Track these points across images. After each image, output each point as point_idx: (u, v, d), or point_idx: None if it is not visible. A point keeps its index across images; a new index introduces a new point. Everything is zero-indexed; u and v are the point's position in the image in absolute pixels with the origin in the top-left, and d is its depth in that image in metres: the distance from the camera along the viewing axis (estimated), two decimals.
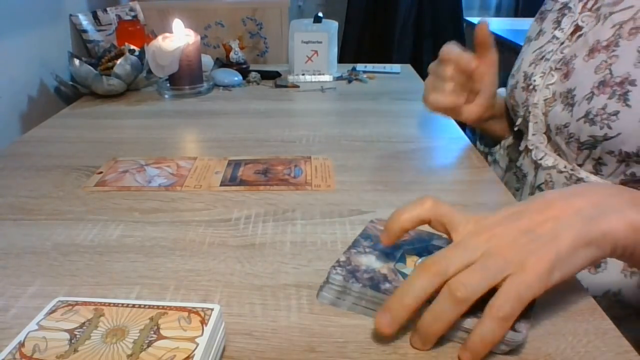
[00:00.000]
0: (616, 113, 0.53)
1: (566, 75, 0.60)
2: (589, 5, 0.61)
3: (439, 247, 0.43)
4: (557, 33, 0.65)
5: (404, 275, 0.42)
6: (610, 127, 0.53)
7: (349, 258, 0.44)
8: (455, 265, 0.36)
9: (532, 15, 0.75)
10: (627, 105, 0.52)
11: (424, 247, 0.46)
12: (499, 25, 2.22)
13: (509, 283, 0.35)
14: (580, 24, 0.61)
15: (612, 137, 0.53)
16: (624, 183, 0.55)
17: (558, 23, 0.65)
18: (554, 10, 0.68)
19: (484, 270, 0.36)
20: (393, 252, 0.45)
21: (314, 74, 1.13)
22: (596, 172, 0.57)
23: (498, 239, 0.37)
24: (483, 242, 0.37)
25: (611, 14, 0.57)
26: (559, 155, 0.62)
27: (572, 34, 0.62)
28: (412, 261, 0.44)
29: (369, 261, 0.44)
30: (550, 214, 0.38)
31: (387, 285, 0.41)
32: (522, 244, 0.36)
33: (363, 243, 0.47)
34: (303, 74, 1.13)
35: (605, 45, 0.56)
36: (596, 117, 0.54)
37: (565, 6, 0.65)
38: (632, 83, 0.52)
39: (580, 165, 0.58)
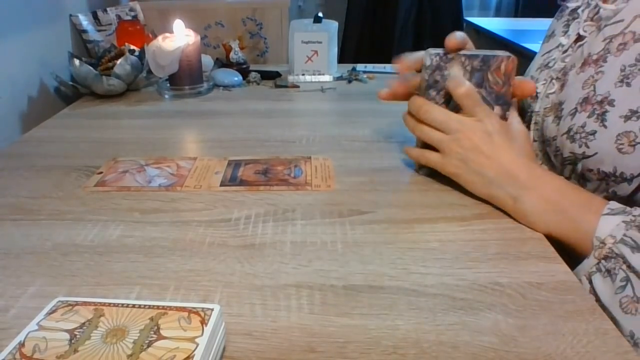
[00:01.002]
0: (593, 132, 0.53)
1: (562, 86, 0.60)
2: (592, 14, 0.61)
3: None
4: (563, 40, 0.64)
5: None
6: (588, 146, 0.53)
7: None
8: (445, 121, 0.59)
9: (532, 16, 0.75)
10: (604, 126, 0.52)
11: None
12: (499, 25, 2.22)
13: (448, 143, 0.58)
14: (582, 33, 0.61)
15: (590, 156, 0.53)
16: (608, 199, 0.55)
17: (567, 27, 0.65)
18: (566, 12, 0.67)
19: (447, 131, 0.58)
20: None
21: (314, 74, 1.13)
22: (582, 187, 0.57)
23: (475, 138, 0.56)
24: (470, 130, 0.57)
25: (605, 26, 0.57)
26: (552, 165, 0.62)
27: (575, 42, 0.62)
28: None
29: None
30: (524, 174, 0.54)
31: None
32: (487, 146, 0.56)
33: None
34: (303, 74, 1.12)
35: (595, 59, 0.56)
36: (576, 135, 0.55)
37: (575, 10, 0.64)
38: (611, 103, 0.52)
39: (568, 179, 0.58)
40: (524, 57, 0.76)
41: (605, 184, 0.54)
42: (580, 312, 0.42)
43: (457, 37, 0.59)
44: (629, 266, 0.44)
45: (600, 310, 0.42)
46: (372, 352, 0.38)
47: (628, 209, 0.48)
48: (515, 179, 0.54)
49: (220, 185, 0.64)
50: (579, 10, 0.63)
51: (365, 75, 1.15)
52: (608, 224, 0.47)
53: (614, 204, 0.49)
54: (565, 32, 0.65)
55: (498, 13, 2.91)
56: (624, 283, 0.45)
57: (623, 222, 0.47)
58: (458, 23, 2.34)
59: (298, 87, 1.09)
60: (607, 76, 0.53)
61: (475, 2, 2.88)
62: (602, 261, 0.47)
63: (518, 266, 0.48)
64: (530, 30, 2.02)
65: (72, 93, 1.05)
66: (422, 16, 2.31)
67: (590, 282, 0.47)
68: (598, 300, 0.46)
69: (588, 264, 0.48)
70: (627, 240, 0.45)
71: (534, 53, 0.75)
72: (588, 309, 0.42)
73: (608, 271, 0.46)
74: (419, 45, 2.33)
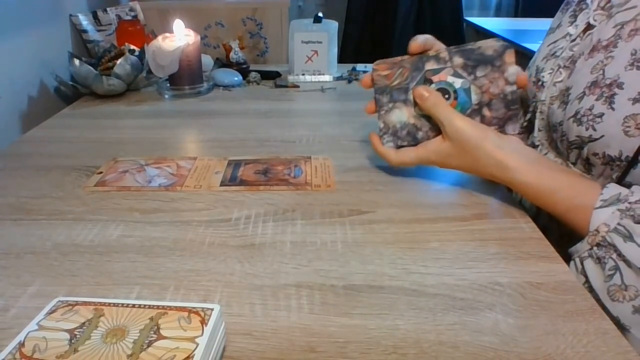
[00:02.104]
0: (601, 115, 0.53)
1: (570, 74, 0.60)
2: (602, 3, 0.61)
3: (433, 70, 0.60)
4: (571, 29, 0.64)
5: (425, 117, 0.60)
6: (595, 129, 0.53)
7: (385, 122, 0.62)
8: None
9: (532, 15, 0.75)
10: (612, 108, 0.52)
11: (421, 77, 0.60)
12: (499, 25, 2.22)
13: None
14: (592, 22, 0.61)
15: (596, 139, 0.53)
16: None
17: (574, 18, 0.65)
18: (574, 4, 0.67)
19: None
20: (407, 96, 0.61)
21: (314, 74, 1.13)
22: (586, 171, 0.57)
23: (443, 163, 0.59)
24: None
25: (616, 13, 0.57)
26: (557, 153, 0.62)
27: (584, 31, 0.62)
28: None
29: (398, 116, 0.61)
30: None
31: (421, 134, 0.60)
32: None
33: (383, 100, 0.62)
34: (303, 74, 1.12)
35: (605, 45, 0.56)
36: (583, 118, 0.54)
37: (583, 1, 0.64)
38: (620, 86, 0.52)
39: (574, 164, 0.59)
40: (524, 57, 0.76)
41: (610, 169, 0.54)
42: (580, 312, 0.42)
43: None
44: (620, 255, 0.45)
45: (601, 310, 0.42)
46: (372, 352, 0.38)
47: (622, 194, 0.48)
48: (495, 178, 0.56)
49: (220, 185, 0.64)
50: (588, 1, 0.63)
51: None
52: (601, 214, 0.48)
53: (607, 193, 0.49)
54: (572, 22, 0.65)
55: (498, 13, 2.91)
56: (612, 272, 0.46)
57: (618, 210, 0.47)
58: (458, 23, 2.34)
59: (298, 87, 1.09)
60: (617, 60, 0.53)
61: (475, 2, 2.88)
62: (594, 248, 0.48)
63: (518, 266, 0.48)
64: (530, 30, 2.02)
65: (72, 93, 1.05)
66: (422, 16, 2.31)
67: (582, 264, 0.49)
68: (587, 282, 0.48)
69: (581, 248, 0.49)
70: (620, 229, 0.46)
71: (534, 53, 0.74)
72: (588, 309, 0.42)
73: (599, 259, 0.47)
74: None
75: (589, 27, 0.61)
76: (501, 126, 0.58)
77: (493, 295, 0.44)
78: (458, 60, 0.59)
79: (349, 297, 0.44)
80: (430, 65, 0.60)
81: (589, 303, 0.43)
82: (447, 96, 0.59)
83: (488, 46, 0.58)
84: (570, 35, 0.64)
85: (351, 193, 0.61)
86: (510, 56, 0.58)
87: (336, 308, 0.42)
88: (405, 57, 0.62)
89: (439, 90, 0.59)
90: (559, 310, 0.42)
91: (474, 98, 0.58)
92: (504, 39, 0.60)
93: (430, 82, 0.59)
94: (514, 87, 0.58)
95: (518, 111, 0.59)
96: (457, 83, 0.59)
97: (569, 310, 0.42)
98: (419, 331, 0.40)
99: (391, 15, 2.29)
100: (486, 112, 0.59)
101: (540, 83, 0.65)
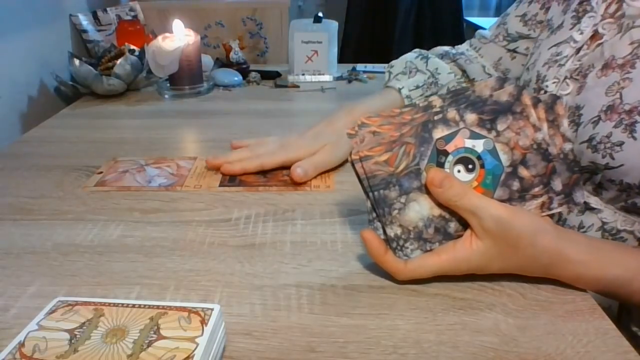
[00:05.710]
0: (621, 144, 0.50)
1: (580, 89, 0.56)
2: (612, 9, 0.56)
3: (445, 138, 0.45)
4: (575, 35, 0.59)
5: None
6: (613, 157, 0.50)
7: (402, 225, 0.46)
8: None
9: None
10: (633, 137, 0.49)
11: (432, 150, 0.46)
12: None
13: None
14: (601, 31, 0.56)
15: (614, 168, 0.50)
16: (624, 209, 0.53)
17: (577, 19, 0.60)
18: (575, 2, 0.62)
19: None
20: (422, 181, 0.45)
21: (314, 74, 1.13)
22: (596, 194, 0.55)
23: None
24: None
25: (631, 27, 0.53)
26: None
27: (591, 39, 0.57)
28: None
29: (418, 211, 0.45)
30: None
31: (453, 226, 0.45)
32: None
33: (392, 196, 0.46)
34: (303, 74, 1.12)
35: (621, 63, 0.52)
36: (599, 145, 0.51)
37: (586, 1, 0.59)
38: None
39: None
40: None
41: (626, 195, 0.51)
42: (580, 312, 0.42)
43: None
44: None
45: (600, 310, 0.42)
46: (372, 352, 0.38)
47: None
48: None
49: (220, 185, 0.64)
50: (593, 3, 0.58)
51: (365, 75, 1.15)
52: None
53: None
54: (575, 25, 0.60)
55: (498, 13, 2.91)
56: None
57: None
58: (458, 23, 2.35)
59: (298, 87, 1.09)
60: (636, 84, 0.50)
61: (475, 2, 2.88)
62: None
63: None
64: None
65: (72, 93, 1.05)
66: (422, 16, 2.31)
67: None
68: None
69: None
70: None
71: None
72: (588, 309, 0.42)
73: None
74: (419, 45, 2.33)
75: (596, 35, 0.57)
76: (545, 185, 0.45)
77: (493, 295, 0.44)
78: (471, 116, 0.45)
79: (349, 297, 0.44)
80: (439, 133, 0.45)
81: (589, 303, 0.43)
82: (470, 166, 0.45)
83: (501, 92, 0.46)
84: (576, 41, 0.59)
85: (351, 193, 0.61)
86: (560, 107, 0.45)
87: (336, 308, 0.42)
88: (392, 117, 0.46)
89: (459, 160, 0.45)
90: (559, 310, 0.42)
91: (504, 159, 0.45)
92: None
93: (446, 153, 0.45)
94: (571, 144, 0.45)
95: (580, 173, 0.49)
96: (479, 146, 0.45)
97: (569, 310, 0.42)
98: (419, 331, 0.40)
99: (391, 15, 2.29)
100: (523, 172, 0.45)
101: (543, 92, 0.61)
